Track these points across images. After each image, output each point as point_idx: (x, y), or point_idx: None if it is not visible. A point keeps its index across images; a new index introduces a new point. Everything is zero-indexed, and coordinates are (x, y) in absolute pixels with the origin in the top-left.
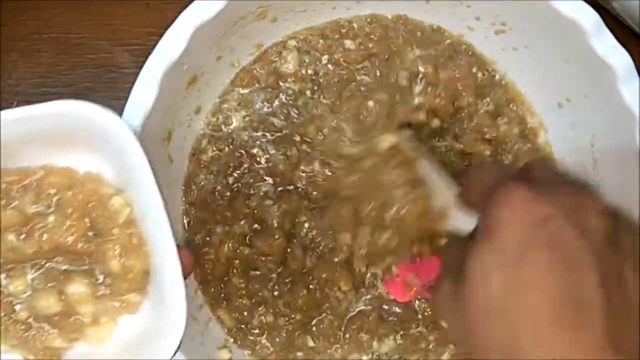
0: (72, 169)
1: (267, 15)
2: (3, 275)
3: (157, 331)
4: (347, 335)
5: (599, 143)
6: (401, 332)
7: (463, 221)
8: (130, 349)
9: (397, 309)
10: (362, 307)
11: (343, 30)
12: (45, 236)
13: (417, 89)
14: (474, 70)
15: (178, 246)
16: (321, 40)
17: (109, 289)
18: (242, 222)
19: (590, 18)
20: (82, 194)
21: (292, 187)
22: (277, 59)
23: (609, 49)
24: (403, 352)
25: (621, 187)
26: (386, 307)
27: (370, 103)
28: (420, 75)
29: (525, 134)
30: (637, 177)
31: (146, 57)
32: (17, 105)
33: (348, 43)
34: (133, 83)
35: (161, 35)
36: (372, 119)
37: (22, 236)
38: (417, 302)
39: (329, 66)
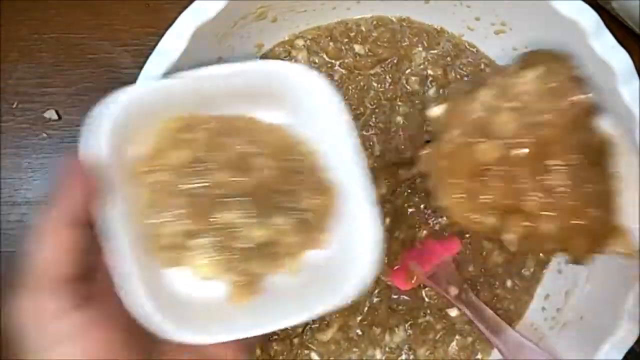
0: (256, 120)
1: (267, 15)
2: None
3: (344, 269)
4: (360, 332)
5: None
6: (410, 322)
7: None
8: (318, 282)
9: (406, 297)
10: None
11: (352, 34)
12: (253, 174)
13: (431, 92)
14: (482, 67)
15: None
16: (331, 43)
17: (303, 225)
18: None
19: (590, 18)
20: (270, 142)
21: None
22: (286, 57)
23: (609, 50)
24: (413, 343)
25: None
26: (395, 296)
27: (399, 118)
28: (430, 79)
29: None
30: (637, 177)
31: (146, 57)
32: (18, 106)
33: (357, 48)
34: (133, 83)
35: (161, 36)
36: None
37: (234, 173)
38: (423, 290)
39: (343, 71)
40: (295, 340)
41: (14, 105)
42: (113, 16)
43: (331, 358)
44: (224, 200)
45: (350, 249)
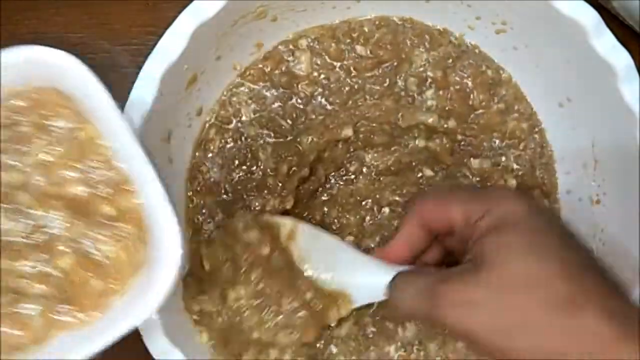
0: None
1: (267, 14)
2: None
3: (154, 270)
4: (374, 329)
5: (600, 143)
6: None
7: None
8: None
9: None
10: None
11: (354, 35)
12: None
13: (429, 93)
14: (483, 68)
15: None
16: (333, 44)
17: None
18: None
19: (590, 18)
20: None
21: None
22: (290, 58)
23: (610, 49)
24: (424, 338)
25: (621, 187)
26: None
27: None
28: (430, 80)
29: (534, 130)
30: (637, 177)
31: (146, 57)
32: None
33: (359, 49)
34: (133, 83)
35: (161, 35)
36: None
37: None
38: None
39: (341, 72)
40: None
41: None
42: (112, 16)
43: (353, 357)
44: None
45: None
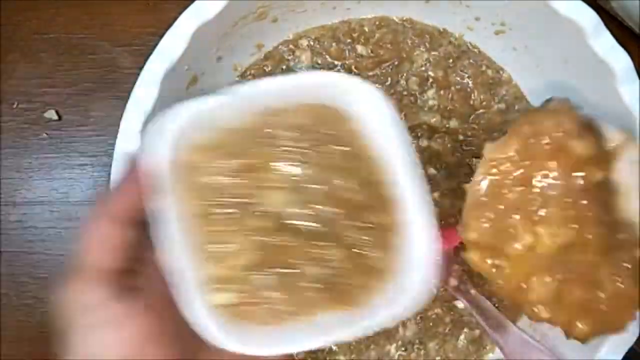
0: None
1: (267, 15)
2: None
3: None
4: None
5: None
6: (420, 314)
7: None
8: None
9: None
10: None
11: (355, 35)
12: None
13: (430, 93)
14: (484, 68)
15: None
16: (334, 44)
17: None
18: None
19: (589, 18)
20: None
21: None
22: (290, 57)
23: (609, 50)
24: (424, 337)
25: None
26: None
27: None
28: (431, 80)
29: None
30: (637, 177)
31: (147, 58)
32: (18, 106)
33: (360, 49)
34: (133, 83)
35: (162, 36)
36: None
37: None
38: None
39: (342, 71)
40: None
41: (14, 106)
42: (113, 16)
43: (353, 356)
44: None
45: (404, 266)
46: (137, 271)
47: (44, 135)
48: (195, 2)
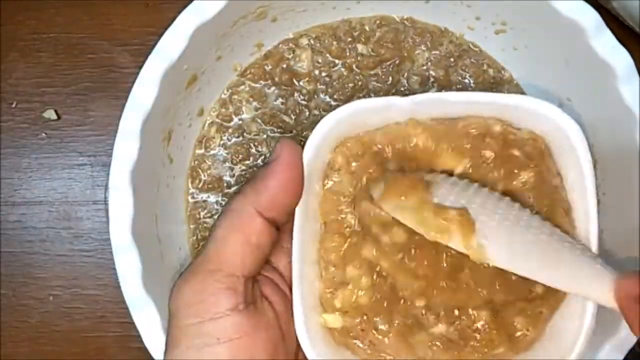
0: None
1: (267, 15)
2: None
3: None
4: None
5: (600, 143)
6: None
7: None
8: None
9: None
10: None
11: (355, 33)
12: None
13: (431, 92)
14: (485, 67)
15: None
16: (334, 43)
17: None
18: None
19: (590, 18)
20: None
21: None
22: (290, 56)
23: (610, 49)
24: None
25: (621, 187)
26: None
27: None
28: (432, 80)
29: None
30: (637, 177)
31: (146, 57)
32: (17, 106)
33: (360, 47)
34: (133, 83)
35: (161, 35)
36: None
37: None
38: None
39: (343, 70)
40: None
41: (13, 105)
42: (113, 16)
43: None
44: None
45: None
46: (262, 277)
47: (43, 135)
48: (195, 1)
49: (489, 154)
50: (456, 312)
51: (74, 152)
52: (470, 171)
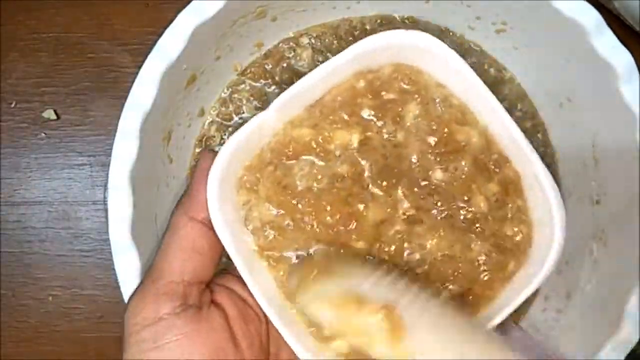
0: None
1: (267, 14)
2: None
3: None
4: None
5: (600, 143)
6: None
7: None
8: None
9: None
10: None
11: (356, 33)
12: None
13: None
14: (486, 67)
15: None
16: (335, 42)
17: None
18: None
19: (591, 17)
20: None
21: None
22: (291, 55)
23: (610, 49)
24: None
25: (622, 187)
26: None
27: None
28: None
29: (537, 129)
30: (637, 177)
31: (145, 57)
32: (16, 106)
33: None
34: (132, 83)
35: (160, 35)
36: None
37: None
38: None
39: None
40: None
41: (13, 105)
42: (112, 16)
43: None
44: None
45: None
46: (216, 286)
47: (43, 135)
48: (194, 1)
49: (367, 112)
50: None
51: (74, 152)
52: (364, 138)
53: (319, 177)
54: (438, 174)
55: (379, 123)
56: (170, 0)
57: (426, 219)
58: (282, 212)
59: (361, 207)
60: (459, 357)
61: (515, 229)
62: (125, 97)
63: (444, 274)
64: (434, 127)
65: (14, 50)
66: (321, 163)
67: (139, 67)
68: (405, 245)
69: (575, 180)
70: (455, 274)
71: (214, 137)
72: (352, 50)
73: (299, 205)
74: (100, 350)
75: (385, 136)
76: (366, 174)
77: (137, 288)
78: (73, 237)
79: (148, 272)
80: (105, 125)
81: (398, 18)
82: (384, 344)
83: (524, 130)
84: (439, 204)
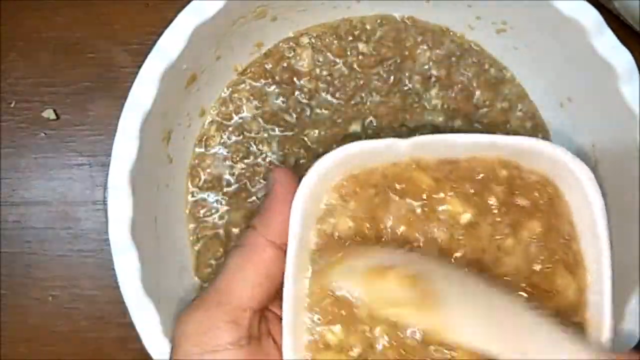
0: None
1: (267, 14)
2: None
3: None
4: None
5: (600, 143)
6: None
7: None
8: None
9: None
10: None
11: (356, 32)
12: None
13: (433, 92)
14: (486, 67)
15: None
16: (335, 42)
17: None
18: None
19: (591, 17)
20: None
21: None
22: (291, 55)
23: (611, 49)
24: None
25: (622, 187)
26: None
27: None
28: (434, 79)
29: (538, 129)
30: (638, 177)
31: (145, 57)
32: (16, 105)
33: (361, 46)
34: (132, 83)
35: (160, 35)
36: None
37: None
38: None
39: (344, 69)
40: None
41: (12, 105)
42: (112, 16)
43: None
44: None
45: None
46: (269, 313)
47: (42, 134)
48: (194, 1)
49: (494, 201)
50: None
51: (73, 152)
52: (476, 220)
53: (411, 224)
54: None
55: (498, 218)
56: (170, 0)
57: None
58: (359, 239)
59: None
60: (502, 340)
61: None
62: (125, 97)
63: None
64: (542, 258)
65: (13, 50)
66: (422, 217)
67: (139, 67)
68: None
69: None
70: None
71: (214, 136)
72: (515, 141)
73: (381, 241)
74: (100, 350)
75: (497, 235)
76: (457, 254)
77: (195, 304)
78: (73, 237)
79: (213, 289)
80: (105, 125)
81: (398, 18)
82: (415, 314)
83: (525, 131)
84: None
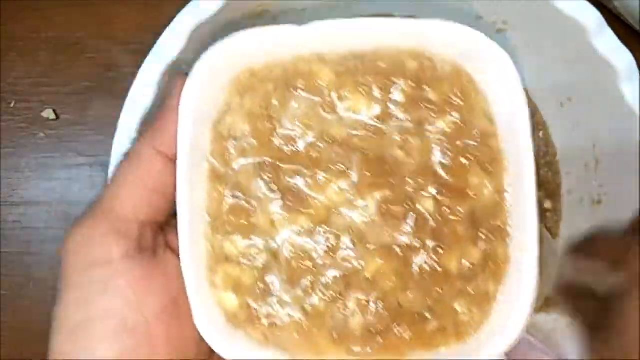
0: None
1: (266, 14)
2: None
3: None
4: None
5: (601, 143)
6: None
7: None
8: None
9: None
10: None
11: None
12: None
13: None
14: None
15: None
16: None
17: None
18: None
19: (592, 17)
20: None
21: None
22: None
23: (611, 49)
24: None
25: (622, 187)
26: None
27: None
28: None
29: (539, 128)
30: (638, 177)
31: (145, 56)
32: (15, 105)
33: None
34: (132, 82)
35: (160, 35)
36: None
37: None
38: None
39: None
40: None
41: (12, 105)
42: (112, 15)
43: None
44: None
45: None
46: (170, 228)
47: (42, 134)
48: (193, 1)
49: (399, 96)
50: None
51: (73, 152)
52: (380, 117)
53: (310, 124)
54: (427, 204)
55: (401, 115)
56: None
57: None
58: (255, 142)
59: (324, 181)
60: None
61: (467, 310)
62: (125, 97)
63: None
64: (452, 156)
65: (13, 50)
66: (322, 113)
67: (139, 66)
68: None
69: (576, 180)
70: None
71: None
72: (420, 25)
73: (273, 143)
74: None
75: (397, 134)
76: (356, 154)
77: (82, 218)
78: None
79: (99, 202)
80: (105, 125)
81: (398, 16)
82: None
83: None
84: (409, 232)
